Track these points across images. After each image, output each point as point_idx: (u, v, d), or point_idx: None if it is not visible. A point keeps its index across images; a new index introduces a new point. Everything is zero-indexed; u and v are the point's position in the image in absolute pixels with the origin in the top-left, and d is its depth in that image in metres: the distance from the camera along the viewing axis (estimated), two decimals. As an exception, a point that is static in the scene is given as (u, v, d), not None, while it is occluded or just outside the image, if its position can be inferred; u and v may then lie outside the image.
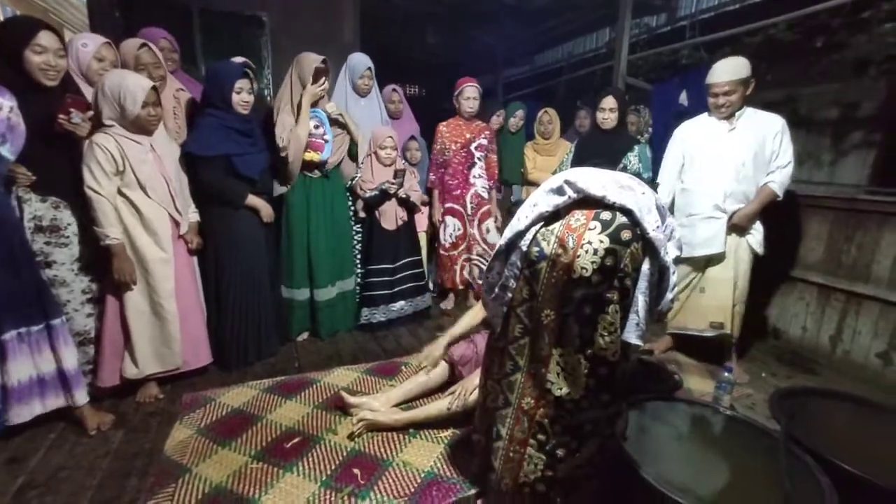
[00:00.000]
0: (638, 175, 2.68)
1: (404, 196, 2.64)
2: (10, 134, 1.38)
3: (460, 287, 3.00)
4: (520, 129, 3.36)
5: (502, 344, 1.11)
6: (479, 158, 2.87)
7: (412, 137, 2.86)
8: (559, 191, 1.00)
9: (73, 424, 1.66)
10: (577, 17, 5.13)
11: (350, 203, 2.64)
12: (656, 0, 4.30)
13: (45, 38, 1.54)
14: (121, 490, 1.39)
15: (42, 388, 1.55)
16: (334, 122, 2.44)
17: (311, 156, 2.33)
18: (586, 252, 0.91)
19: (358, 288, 2.69)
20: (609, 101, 2.45)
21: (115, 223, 1.68)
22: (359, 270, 2.69)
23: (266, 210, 2.20)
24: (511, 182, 3.35)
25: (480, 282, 2.93)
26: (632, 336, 0.92)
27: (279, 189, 2.36)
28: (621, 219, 0.92)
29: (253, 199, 2.14)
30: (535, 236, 1.01)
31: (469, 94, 2.78)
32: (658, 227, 0.91)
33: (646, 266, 0.92)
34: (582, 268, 0.91)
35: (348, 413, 1.75)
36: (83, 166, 1.62)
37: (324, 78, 2.32)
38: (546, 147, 3.21)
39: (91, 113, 1.69)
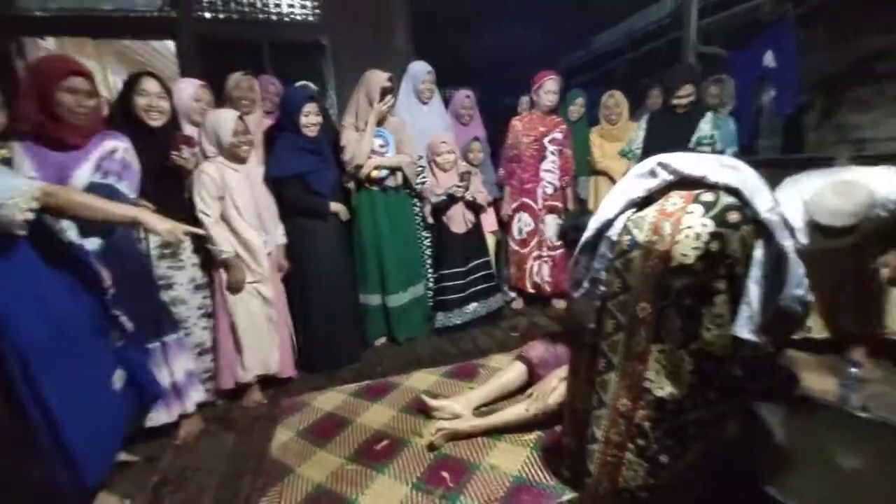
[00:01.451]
0: (711, 144, 2.47)
1: (471, 198, 2.65)
2: (126, 172, 1.57)
3: (530, 290, 2.93)
4: (581, 117, 3.22)
5: (593, 341, 1.05)
6: (551, 153, 2.80)
7: (475, 139, 2.86)
8: (651, 173, 0.93)
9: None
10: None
11: (417, 209, 2.70)
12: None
13: (147, 83, 1.76)
14: (237, 489, 1.52)
15: (167, 397, 1.75)
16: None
17: (374, 173, 2.41)
18: (686, 237, 0.83)
19: (430, 293, 2.73)
20: (687, 89, 2.30)
21: (225, 240, 1.89)
22: (430, 275, 2.74)
23: (344, 211, 2.34)
24: (577, 174, 3.22)
25: (551, 280, 2.88)
26: (743, 330, 0.82)
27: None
28: (727, 199, 0.83)
29: (334, 206, 2.28)
30: (625, 224, 0.94)
31: (549, 87, 2.72)
32: (772, 208, 0.81)
33: (759, 252, 0.82)
34: (682, 255, 0.84)
35: (431, 416, 1.77)
36: (195, 194, 1.83)
37: (389, 96, 2.40)
38: (613, 132, 3.03)
39: (197, 148, 1.91)
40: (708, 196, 0.85)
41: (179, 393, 1.77)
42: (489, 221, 2.96)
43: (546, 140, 2.78)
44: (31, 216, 1.08)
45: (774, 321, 0.80)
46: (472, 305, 2.71)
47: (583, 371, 1.12)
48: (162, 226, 1.26)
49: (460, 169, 2.71)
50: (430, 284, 2.75)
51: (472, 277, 2.69)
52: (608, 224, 0.97)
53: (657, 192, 0.92)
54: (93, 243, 1.44)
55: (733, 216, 0.82)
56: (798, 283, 0.79)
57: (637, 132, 2.73)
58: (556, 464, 1.42)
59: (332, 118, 2.90)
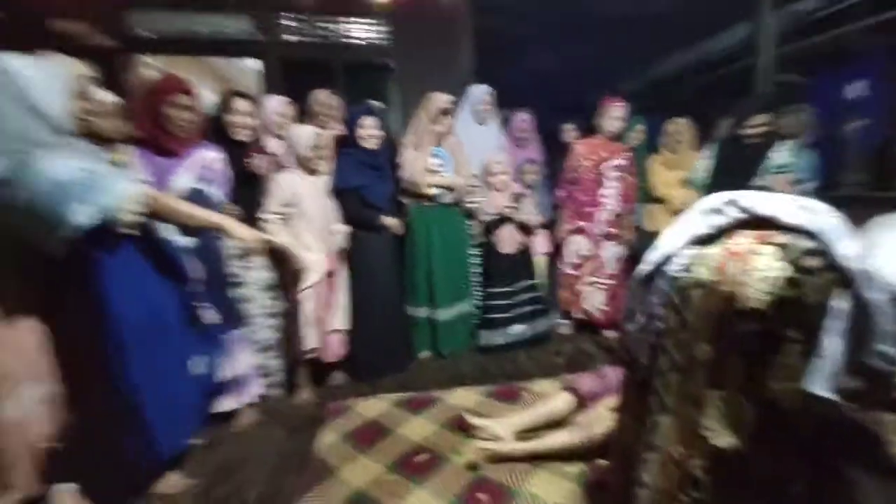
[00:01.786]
0: (788, 173, 2.32)
1: (522, 220, 2.66)
2: (218, 179, 1.78)
3: (581, 316, 2.87)
4: (641, 144, 3.15)
5: (646, 378, 1.02)
6: (613, 178, 2.76)
7: (529, 160, 2.88)
8: (719, 210, 0.90)
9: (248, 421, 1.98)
10: (701, 18, 4.67)
11: (468, 227, 2.75)
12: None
13: (238, 102, 1.97)
14: (283, 484, 1.60)
15: (230, 387, 1.88)
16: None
17: (429, 190, 2.50)
18: (756, 280, 0.80)
19: (476, 311, 2.76)
20: (760, 119, 2.20)
21: (281, 232, 2.04)
22: (477, 293, 2.76)
23: (397, 225, 2.42)
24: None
25: (604, 308, 2.81)
26: (816, 385, 0.76)
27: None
28: (804, 243, 0.79)
29: (385, 219, 2.37)
30: (687, 260, 0.92)
31: (615, 114, 2.73)
32: (856, 255, 0.76)
33: (839, 302, 0.76)
34: (749, 298, 0.80)
35: (471, 435, 1.78)
36: (264, 197, 2.00)
37: (448, 117, 2.50)
38: (675, 160, 2.93)
39: (271, 158, 2.09)
40: (782, 238, 0.81)
41: (240, 385, 1.90)
42: (541, 244, 2.95)
43: (608, 165, 2.75)
44: (137, 219, 1.23)
45: (857, 378, 0.74)
46: (518, 327, 2.69)
47: (633, 408, 1.08)
48: (244, 233, 1.38)
49: (513, 190, 2.74)
50: (477, 302, 2.77)
51: (518, 299, 2.69)
52: (668, 258, 0.95)
53: (724, 230, 0.89)
54: (184, 240, 1.60)
55: (811, 261, 0.77)
56: (886, 339, 0.73)
57: (702, 161, 2.63)
58: (598, 500, 1.37)
59: (392, 135, 3.05)
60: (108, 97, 1.53)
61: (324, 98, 2.53)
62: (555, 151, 3.07)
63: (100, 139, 1.40)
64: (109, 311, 1.27)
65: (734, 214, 0.87)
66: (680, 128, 2.93)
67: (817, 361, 0.77)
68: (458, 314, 2.66)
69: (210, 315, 1.55)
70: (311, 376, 2.26)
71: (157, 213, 1.31)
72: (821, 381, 0.76)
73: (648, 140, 3.19)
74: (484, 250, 2.74)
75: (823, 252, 0.78)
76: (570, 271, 2.88)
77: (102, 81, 1.40)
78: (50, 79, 1.18)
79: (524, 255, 2.75)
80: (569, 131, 3.15)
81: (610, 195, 2.78)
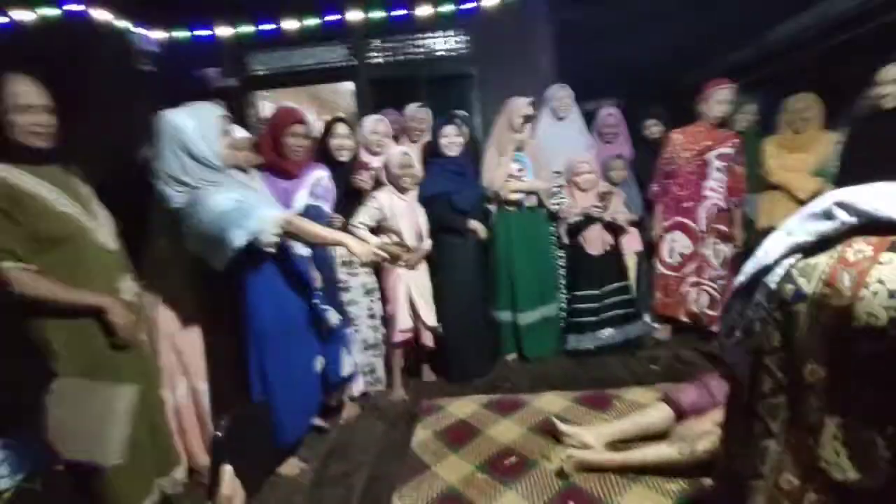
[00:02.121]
0: None
1: (610, 219, 2.56)
2: (328, 194, 2.03)
3: (684, 319, 2.66)
4: (751, 128, 2.81)
5: (748, 400, 0.94)
6: (718, 169, 2.52)
7: (617, 156, 2.75)
8: (827, 214, 0.80)
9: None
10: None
11: (553, 229, 2.72)
12: None
13: (338, 127, 2.22)
14: (385, 472, 1.77)
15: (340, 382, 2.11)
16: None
17: (512, 196, 2.53)
18: (876, 294, 0.70)
19: (564, 314, 2.71)
20: (891, 73, 1.84)
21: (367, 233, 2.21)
22: (564, 296, 2.72)
23: (482, 230, 2.46)
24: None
25: (711, 313, 2.57)
26: None
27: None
28: None
29: (472, 223, 2.43)
30: (788, 271, 0.83)
31: (722, 97, 2.49)
32: None
33: None
34: (869, 314, 0.71)
35: (559, 440, 1.77)
36: (360, 210, 2.21)
37: (528, 124, 2.50)
38: (797, 141, 2.51)
39: (373, 173, 2.31)
40: None
41: (347, 380, 2.11)
42: (632, 242, 2.79)
43: (713, 155, 2.52)
44: (277, 239, 1.47)
45: None
46: (608, 331, 2.59)
47: (738, 429, 1.00)
48: (359, 249, 1.54)
49: (599, 189, 2.64)
50: (564, 305, 2.72)
51: (607, 301, 2.58)
52: (767, 269, 0.86)
53: (835, 236, 0.80)
54: (305, 251, 1.80)
55: None
56: None
57: (835, 146, 2.25)
58: (701, 522, 1.29)
59: (477, 141, 3.13)
60: (242, 133, 1.85)
61: (412, 112, 2.70)
62: (642, 145, 2.88)
63: (240, 169, 1.69)
64: (254, 315, 1.55)
65: (846, 219, 0.78)
66: (808, 103, 2.49)
67: None
68: (541, 317, 2.64)
69: (332, 317, 1.75)
70: (406, 372, 2.44)
71: (293, 234, 1.52)
72: None
73: (763, 121, 2.82)
74: (570, 252, 2.69)
75: None
76: (666, 271, 2.69)
77: (232, 119, 1.68)
78: (203, 125, 1.46)
79: (613, 256, 2.64)
80: (650, 127, 2.90)
81: (715, 188, 2.54)
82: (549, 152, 2.67)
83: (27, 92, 1.22)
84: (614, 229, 2.63)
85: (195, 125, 1.45)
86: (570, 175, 2.66)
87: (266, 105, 4.24)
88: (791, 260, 0.84)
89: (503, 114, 2.57)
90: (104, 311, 1.29)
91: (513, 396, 2.23)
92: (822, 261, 0.80)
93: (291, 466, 1.80)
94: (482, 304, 2.56)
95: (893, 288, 0.70)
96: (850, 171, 2.03)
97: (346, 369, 1.90)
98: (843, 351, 0.77)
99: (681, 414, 1.64)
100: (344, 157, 2.23)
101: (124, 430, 1.18)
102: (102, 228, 1.36)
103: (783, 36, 4.91)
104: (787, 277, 0.83)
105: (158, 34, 3.81)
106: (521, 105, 2.49)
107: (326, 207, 1.99)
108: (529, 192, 2.57)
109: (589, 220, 2.57)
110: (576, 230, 2.61)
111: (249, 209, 1.41)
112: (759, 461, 0.92)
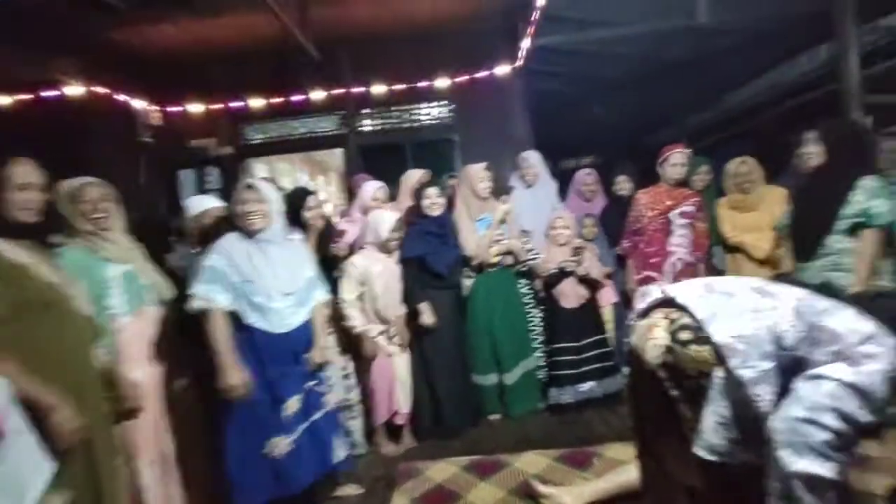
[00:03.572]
0: (868, 219, 1.90)
1: (584, 273, 2.66)
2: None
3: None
4: (707, 186, 3.01)
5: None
6: (681, 226, 2.67)
7: (587, 215, 2.91)
8: (650, 293, 1.07)
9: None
10: (772, 46, 4.43)
11: (528, 283, 2.80)
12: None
13: (311, 200, 2.28)
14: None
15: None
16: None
17: (494, 259, 2.63)
18: (652, 347, 0.95)
19: (543, 368, 2.73)
20: (809, 137, 2.06)
21: (358, 317, 2.27)
22: (542, 350, 2.74)
23: (427, 315, 2.40)
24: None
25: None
26: (697, 447, 0.88)
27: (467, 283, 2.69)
28: (685, 318, 0.93)
29: (420, 306, 2.41)
30: (629, 326, 1.09)
31: (676, 160, 2.69)
32: (738, 335, 0.84)
33: (718, 374, 0.87)
34: (648, 360, 0.95)
35: (539, 502, 1.73)
36: (341, 280, 2.28)
37: (487, 184, 2.65)
38: (747, 201, 2.70)
39: (348, 241, 2.44)
40: (675, 314, 0.95)
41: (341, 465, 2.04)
42: (608, 295, 2.88)
43: (675, 213, 2.67)
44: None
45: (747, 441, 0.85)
46: (588, 384, 2.59)
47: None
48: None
49: (574, 244, 2.76)
50: (542, 360, 2.74)
51: (586, 355, 2.61)
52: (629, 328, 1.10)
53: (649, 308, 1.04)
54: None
55: (684, 335, 0.90)
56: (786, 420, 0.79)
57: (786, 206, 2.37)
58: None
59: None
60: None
61: (404, 177, 2.85)
62: (613, 201, 3.06)
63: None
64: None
65: (657, 295, 1.04)
66: (750, 167, 2.72)
67: (700, 424, 0.88)
68: (523, 372, 2.65)
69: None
70: (386, 435, 2.40)
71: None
72: (699, 443, 0.88)
73: (718, 179, 3.02)
74: (547, 306, 2.75)
75: (698, 327, 0.90)
76: (642, 323, 2.75)
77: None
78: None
79: (589, 309, 2.71)
80: (621, 183, 3.10)
81: (679, 244, 2.67)
82: (518, 213, 2.80)
83: (26, 172, 1.31)
84: (589, 283, 2.72)
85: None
86: (547, 230, 2.79)
87: (260, 169, 4.49)
88: (632, 321, 1.09)
89: (462, 182, 2.73)
90: (51, 410, 1.20)
91: (493, 457, 2.18)
92: (641, 321, 1.04)
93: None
94: (461, 366, 2.56)
95: (658, 343, 0.94)
96: (795, 223, 2.16)
97: (338, 454, 1.90)
98: (652, 386, 0.98)
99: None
100: (319, 225, 2.31)
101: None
102: (80, 296, 1.43)
103: (738, 101, 5.36)
104: (629, 330, 1.09)
105: (157, 108, 4.10)
106: (477, 170, 2.65)
107: None
108: (507, 253, 2.68)
109: (563, 274, 2.66)
110: (551, 284, 2.70)
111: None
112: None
